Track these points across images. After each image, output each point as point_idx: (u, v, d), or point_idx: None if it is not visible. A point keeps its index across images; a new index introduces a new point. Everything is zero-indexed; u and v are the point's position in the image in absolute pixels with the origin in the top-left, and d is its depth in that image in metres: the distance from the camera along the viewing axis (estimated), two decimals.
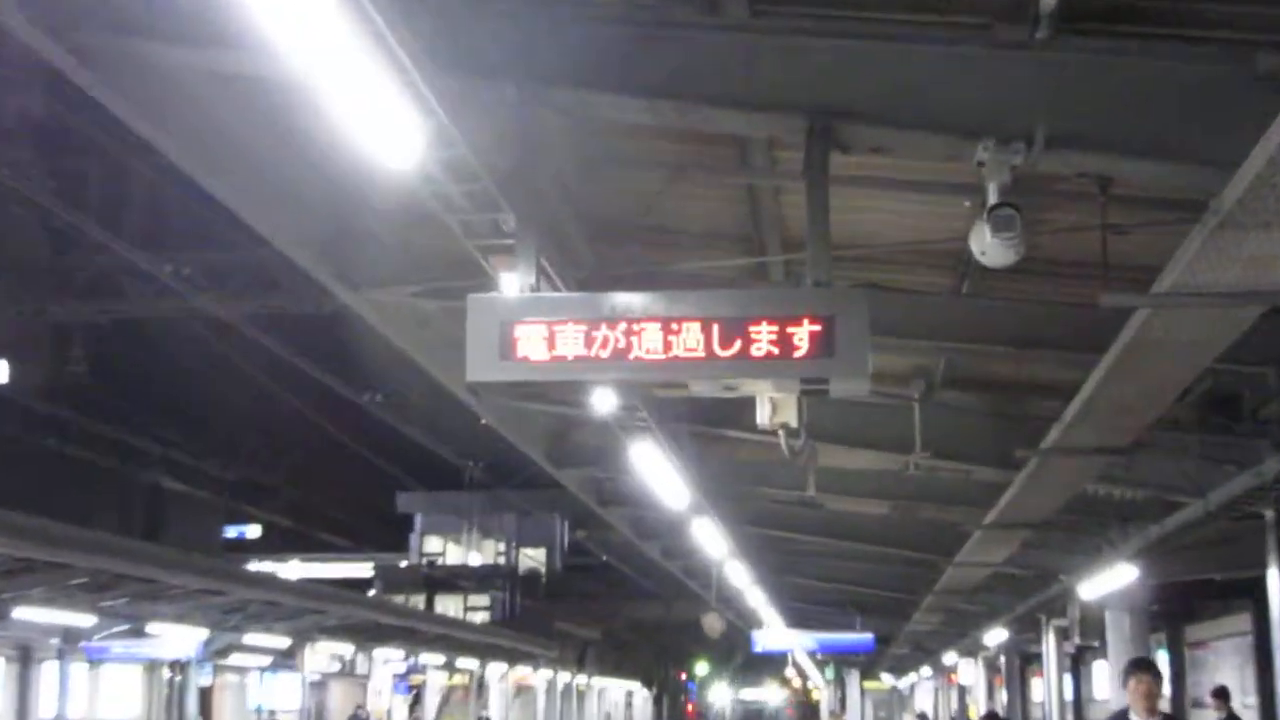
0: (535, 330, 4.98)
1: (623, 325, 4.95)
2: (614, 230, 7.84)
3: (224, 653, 20.43)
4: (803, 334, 4.88)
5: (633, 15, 5.34)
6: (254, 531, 32.22)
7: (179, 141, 6.23)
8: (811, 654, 30.59)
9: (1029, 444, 9.17)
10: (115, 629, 17.20)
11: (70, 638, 17.13)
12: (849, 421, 10.78)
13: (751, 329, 4.91)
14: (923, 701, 37.69)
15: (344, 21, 4.08)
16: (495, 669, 29.68)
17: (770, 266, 8.27)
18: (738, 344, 4.92)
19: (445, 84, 4.82)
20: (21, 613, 14.30)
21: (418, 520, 38.18)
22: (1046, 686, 19.78)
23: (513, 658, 29.22)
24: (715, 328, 4.93)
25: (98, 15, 5.46)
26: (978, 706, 26.74)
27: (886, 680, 39.73)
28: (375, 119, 4.60)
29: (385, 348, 9.89)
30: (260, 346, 13.91)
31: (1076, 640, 15.96)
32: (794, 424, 7.35)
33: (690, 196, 7.29)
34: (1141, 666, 6.60)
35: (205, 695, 21.36)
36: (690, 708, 54.37)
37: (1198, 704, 16.65)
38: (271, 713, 24.29)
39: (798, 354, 4.89)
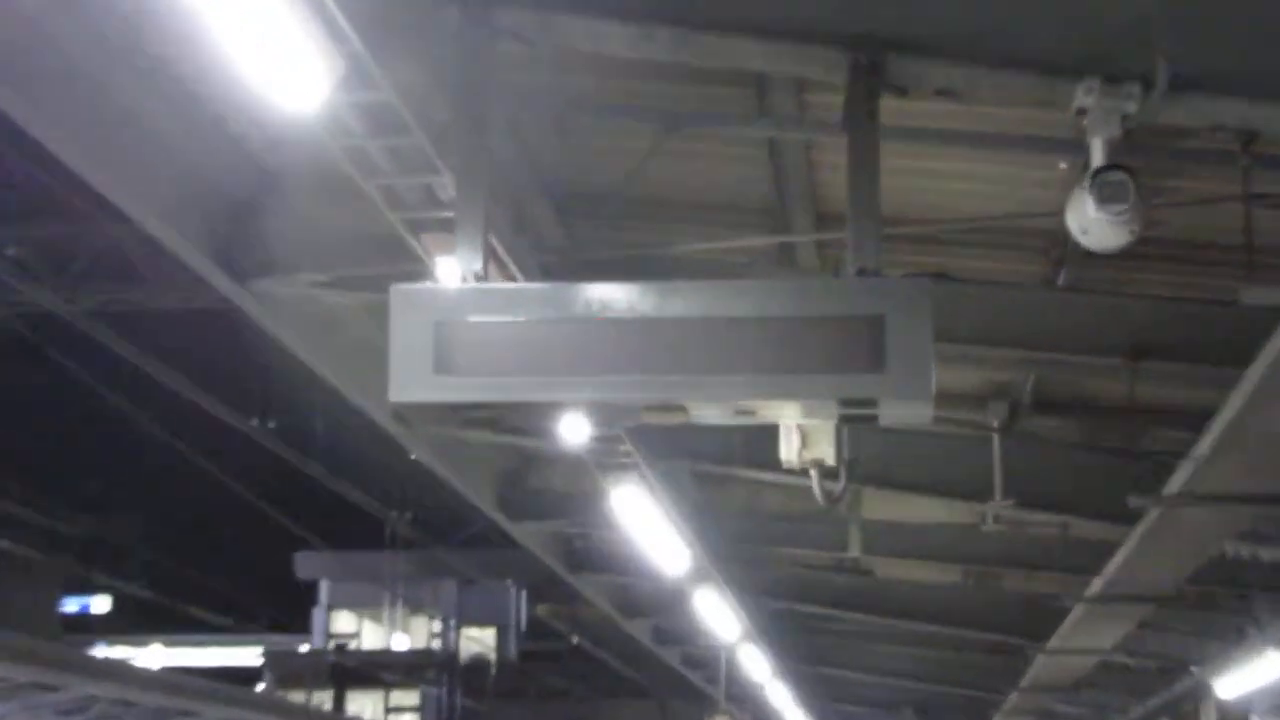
0: (483, 333, 4.97)
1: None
2: (589, 200, 7.85)
3: None
4: (843, 340, 4.88)
5: None
6: (102, 604, 32.17)
7: None
8: None
9: (1147, 489, 9.19)
10: None
11: None
12: (905, 458, 10.80)
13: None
14: None
15: None
16: None
17: (799, 249, 8.29)
18: None
19: (363, 1, 4.82)
20: None
21: (323, 589, 38.13)
22: None
23: None
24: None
25: None
26: None
27: None
28: (266, 48, 4.59)
29: (281, 357, 9.87)
30: (111, 354, 13.88)
31: None
32: (831, 461, 7.32)
33: (692, 155, 7.31)
34: None
35: None
36: None
37: None
38: None
39: (836, 367, 4.88)
